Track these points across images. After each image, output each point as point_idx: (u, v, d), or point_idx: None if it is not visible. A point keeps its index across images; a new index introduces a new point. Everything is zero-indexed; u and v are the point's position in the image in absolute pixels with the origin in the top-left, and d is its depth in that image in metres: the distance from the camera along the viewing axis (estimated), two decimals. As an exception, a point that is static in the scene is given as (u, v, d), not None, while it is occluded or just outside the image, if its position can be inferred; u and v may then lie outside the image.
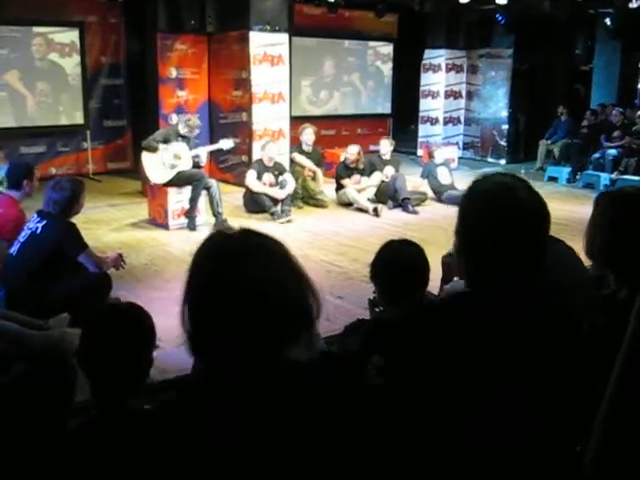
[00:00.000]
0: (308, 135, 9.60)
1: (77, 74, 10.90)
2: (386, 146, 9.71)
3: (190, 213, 7.76)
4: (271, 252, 1.36)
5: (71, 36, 10.73)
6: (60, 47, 10.69)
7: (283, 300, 1.30)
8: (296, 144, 9.98)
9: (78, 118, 11.05)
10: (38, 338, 2.94)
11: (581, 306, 2.10)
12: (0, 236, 4.57)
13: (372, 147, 11.60)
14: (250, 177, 8.56)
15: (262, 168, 8.64)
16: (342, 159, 9.67)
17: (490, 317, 1.50)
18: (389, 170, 9.47)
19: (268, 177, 8.62)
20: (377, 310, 2.85)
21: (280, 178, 8.64)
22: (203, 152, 7.99)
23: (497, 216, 1.51)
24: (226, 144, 8.26)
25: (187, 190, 7.74)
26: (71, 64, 10.84)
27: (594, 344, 1.60)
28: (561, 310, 1.60)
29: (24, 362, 2.96)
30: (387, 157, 9.67)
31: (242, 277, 1.29)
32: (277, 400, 1.30)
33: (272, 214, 8.26)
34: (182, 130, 7.81)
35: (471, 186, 1.61)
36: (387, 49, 13.99)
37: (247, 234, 1.38)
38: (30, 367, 2.91)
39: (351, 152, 9.41)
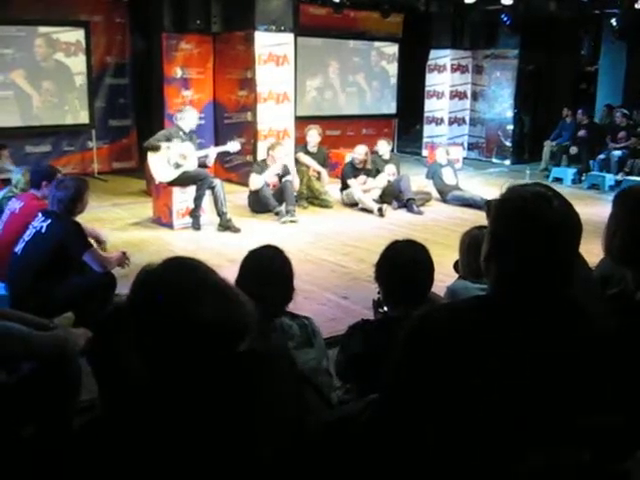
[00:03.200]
0: (313, 136, 9.60)
1: (83, 73, 10.90)
2: (384, 146, 9.80)
3: (195, 212, 7.76)
4: (195, 278, 1.51)
5: (77, 35, 10.73)
6: (66, 46, 10.70)
7: (210, 319, 1.45)
8: (301, 144, 9.99)
9: (83, 117, 11.06)
10: (48, 339, 2.93)
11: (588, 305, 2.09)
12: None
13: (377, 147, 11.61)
14: (254, 180, 8.54)
15: (264, 169, 8.62)
16: (349, 159, 9.67)
17: (510, 325, 1.50)
18: (390, 168, 9.48)
19: (271, 178, 8.60)
20: (381, 311, 2.84)
21: (283, 180, 8.62)
22: (213, 153, 7.99)
23: (530, 223, 1.51)
24: (233, 147, 8.26)
25: (192, 190, 7.74)
26: (77, 63, 10.84)
27: (608, 344, 1.59)
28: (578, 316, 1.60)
29: (29, 362, 2.96)
30: (386, 157, 9.70)
31: (175, 313, 1.43)
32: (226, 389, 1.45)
33: (277, 214, 8.26)
34: (185, 126, 7.78)
35: (505, 192, 1.60)
36: (392, 49, 13.96)
37: (171, 267, 1.53)
38: (36, 367, 2.92)
39: (359, 152, 9.41)
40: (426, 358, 1.52)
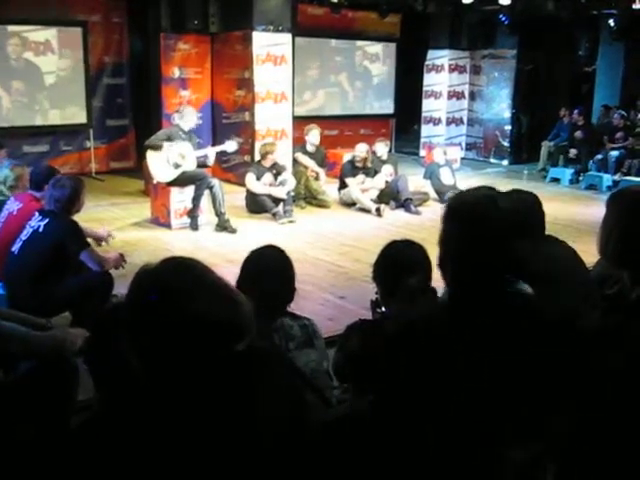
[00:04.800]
0: (315, 136, 9.60)
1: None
2: (381, 147, 9.79)
3: (193, 213, 7.76)
4: (192, 278, 1.49)
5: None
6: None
7: (208, 319, 1.43)
8: (300, 144, 9.99)
9: (81, 117, 11.04)
10: (45, 339, 2.93)
11: (582, 306, 2.10)
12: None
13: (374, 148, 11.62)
14: (250, 180, 8.55)
15: (261, 170, 8.62)
16: (350, 157, 9.66)
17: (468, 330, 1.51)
18: (387, 168, 9.49)
19: (267, 178, 8.61)
20: (379, 311, 2.84)
21: (280, 178, 8.63)
22: (212, 152, 8.00)
23: (480, 226, 1.52)
24: (230, 146, 8.26)
25: (190, 190, 7.74)
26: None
27: (605, 342, 1.60)
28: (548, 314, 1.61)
29: (27, 362, 2.96)
30: (384, 157, 9.71)
31: (172, 312, 1.42)
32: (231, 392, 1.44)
33: (274, 215, 8.26)
34: (185, 125, 7.79)
35: (454, 198, 1.62)
36: (391, 50, 13.96)
37: (168, 267, 1.51)
38: (33, 366, 2.91)
39: (360, 150, 9.40)
40: (406, 364, 1.55)
